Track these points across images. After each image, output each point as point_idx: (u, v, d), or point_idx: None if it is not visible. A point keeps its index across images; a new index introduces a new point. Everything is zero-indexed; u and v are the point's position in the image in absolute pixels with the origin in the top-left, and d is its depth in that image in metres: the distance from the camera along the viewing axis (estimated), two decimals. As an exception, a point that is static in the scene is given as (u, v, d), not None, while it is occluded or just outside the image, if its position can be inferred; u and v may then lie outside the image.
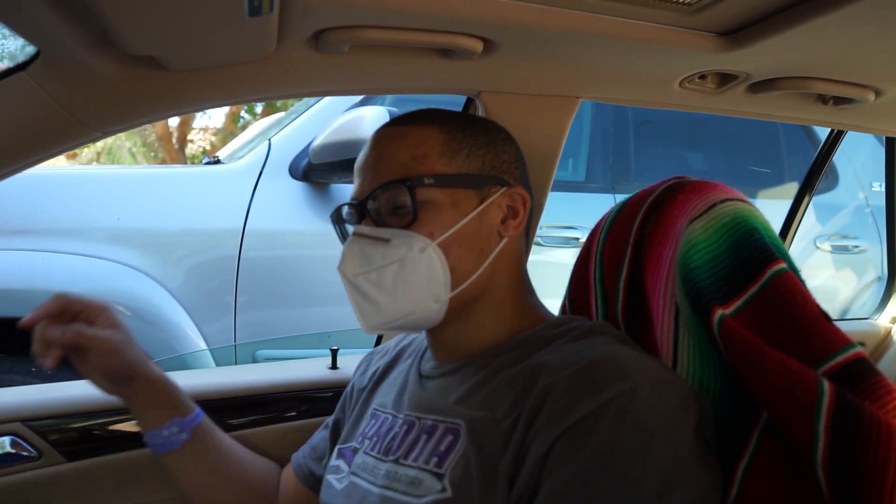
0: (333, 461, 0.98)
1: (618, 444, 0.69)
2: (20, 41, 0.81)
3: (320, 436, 1.14)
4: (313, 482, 1.08)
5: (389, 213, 0.87)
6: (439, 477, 0.78)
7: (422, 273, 0.85)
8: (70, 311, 0.94)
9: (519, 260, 0.95)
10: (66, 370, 2.15)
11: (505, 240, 0.91)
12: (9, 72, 0.84)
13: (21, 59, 0.85)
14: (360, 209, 0.90)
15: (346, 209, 0.96)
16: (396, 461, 0.85)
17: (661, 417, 0.71)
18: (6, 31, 0.79)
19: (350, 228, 0.96)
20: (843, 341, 0.75)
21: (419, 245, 0.85)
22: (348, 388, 1.12)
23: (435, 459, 0.81)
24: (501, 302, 0.92)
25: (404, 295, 0.86)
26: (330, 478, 0.95)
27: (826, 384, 0.70)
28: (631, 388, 0.72)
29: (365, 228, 0.88)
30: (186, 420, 1.04)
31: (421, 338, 1.04)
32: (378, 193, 0.87)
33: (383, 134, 0.93)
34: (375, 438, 0.92)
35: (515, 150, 0.97)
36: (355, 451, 0.95)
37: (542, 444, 0.72)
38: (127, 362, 0.97)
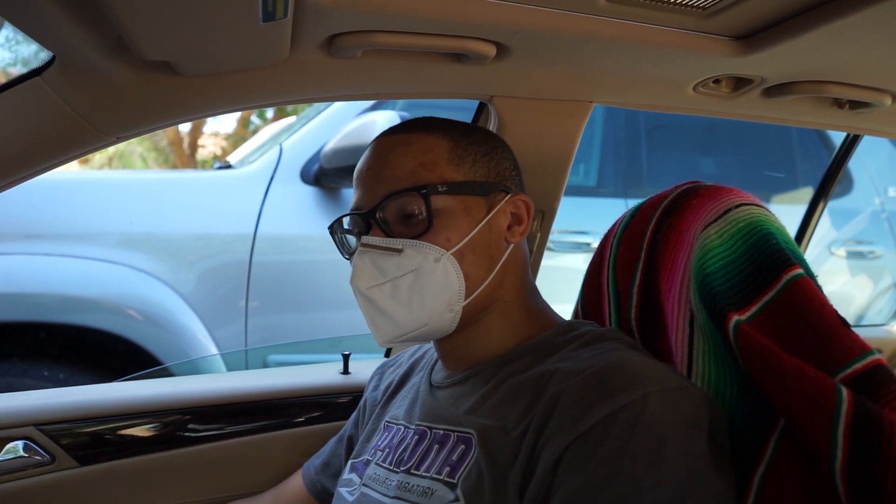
0: (346, 475, 0.97)
1: (629, 452, 0.68)
2: (33, 47, 0.81)
3: (333, 451, 1.13)
4: (327, 498, 1.08)
5: (400, 222, 0.86)
6: (452, 486, 0.78)
7: (437, 283, 0.84)
8: None
9: (525, 264, 0.95)
10: (78, 375, 2.17)
11: (511, 246, 0.91)
12: (24, 77, 0.85)
13: (34, 64, 0.85)
14: (367, 219, 0.88)
15: (347, 220, 0.94)
16: (408, 471, 0.85)
17: (674, 425, 0.70)
18: (22, 37, 0.79)
19: (352, 239, 0.95)
20: (861, 348, 0.74)
21: (434, 255, 0.84)
22: (361, 403, 1.12)
23: (447, 469, 0.80)
24: (510, 307, 0.91)
25: (420, 306, 0.85)
26: (342, 490, 0.95)
27: (844, 391, 0.69)
28: (642, 396, 0.71)
29: (375, 239, 0.86)
30: None
31: (433, 350, 1.03)
32: (388, 202, 0.86)
33: (386, 141, 0.91)
34: (387, 450, 0.92)
35: (512, 156, 0.97)
36: (367, 463, 0.94)
37: (552, 451, 0.71)
38: None
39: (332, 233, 0.96)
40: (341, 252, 0.96)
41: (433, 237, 0.85)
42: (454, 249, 0.85)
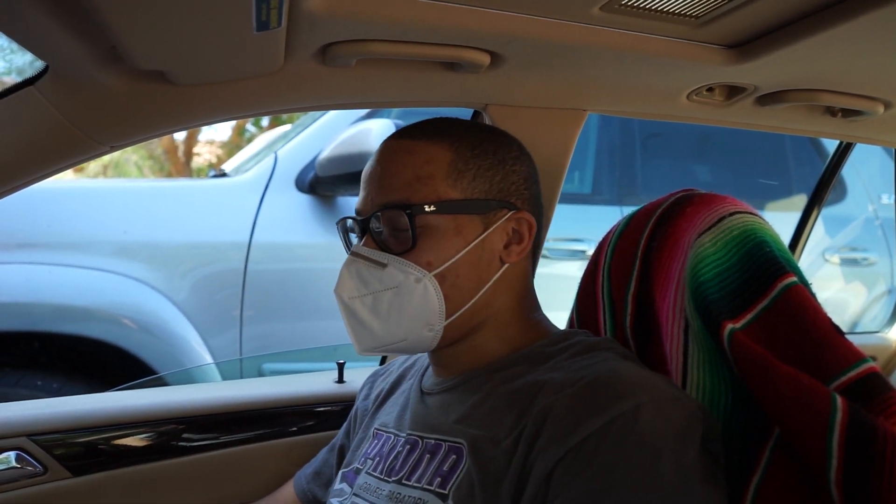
0: (337, 485, 0.97)
1: (622, 464, 0.68)
2: (28, 56, 0.81)
3: (325, 460, 1.12)
4: None
5: (391, 234, 0.85)
6: (443, 497, 0.77)
7: (416, 302, 0.84)
8: None
9: (523, 281, 0.93)
10: (72, 384, 2.16)
11: (506, 265, 0.89)
12: (18, 87, 0.85)
13: (29, 74, 0.85)
14: (364, 226, 0.88)
15: (350, 221, 0.94)
16: (399, 482, 0.84)
17: (666, 436, 0.70)
18: (16, 46, 0.79)
19: (355, 238, 0.94)
20: (855, 356, 0.74)
21: (415, 275, 0.83)
22: (352, 413, 1.11)
23: (438, 480, 0.79)
24: (502, 323, 0.90)
25: (398, 322, 0.85)
26: (333, 501, 0.94)
27: (839, 400, 0.69)
28: (634, 408, 0.70)
29: (363, 249, 0.86)
30: None
31: (425, 357, 1.03)
32: (380, 213, 0.85)
33: (390, 146, 0.89)
34: (378, 458, 0.91)
35: (527, 167, 0.93)
36: (357, 471, 0.93)
37: (544, 464, 0.71)
38: None
39: (339, 231, 0.96)
40: (346, 250, 0.95)
41: (416, 257, 0.84)
42: (436, 272, 0.84)
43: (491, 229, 0.87)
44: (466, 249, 0.85)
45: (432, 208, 0.84)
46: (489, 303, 0.88)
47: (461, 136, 0.89)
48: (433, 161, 0.86)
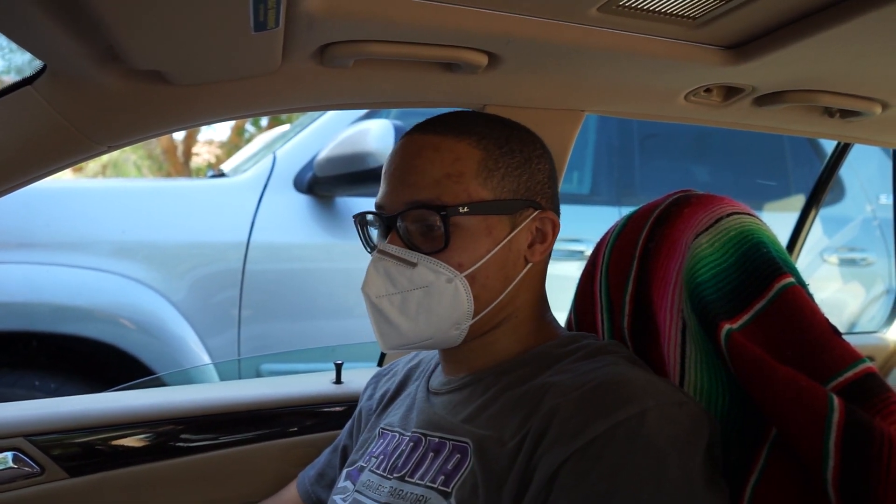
0: (341, 483, 0.97)
1: (627, 468, 0.68)
2: (27, 55, 0.81)
3: (328, 461, 1.12)
4: None
5: (420, 233, 0.84)
6: (446, 496, 0.77)
7: (446, 302, 0.83)
8: None
9: (541, 280, 0.93)
10: (69, 385, 2.15)
11: (530, 264, 0.89)
12: (15, 86, 0.85)
13: (28, 73, 0.85)
14: (389, 223, 0.86)
15: (370, 216, 0.92)
16: (402, 478, 0.84)
17: (671, 441, 0.70)
18: (14, 46, 0.79)
19: (374, 232, 0.93)
20: (852, 356, 0.74)
21: (447, 275, 0.83)
22: (356, 413, 1.11)
23: (442, 478, 0.79)
24: (520, 321, 0.90)
25: (426, 321, 0.84)
26: (336, 498, 0.94)
27: (836, 400, 0.70)
28: (640, 412, 0.70)
29: (391, 248, 0.84)
30: None
31: (430, 357, 1.03)
32: (408, 212, 0.84)
33: (416, 141, 0.87)
34: (382, 457, 0.91)
35: (549, 166, 0.92)
36: (361, 469, 0.93)
37: (548, 465, 0.71)
38: None
39: (356, 223, 0.93)
40: (364, 244, 0.93)
41: (448, 257, 0.83)
42: (467, 273, 0.83)
43: (518, 229, 0.87)
44: (496, 250, 0.85)
45: (465, 209, 0.83)
46: (511, 301, 0.88)
47: (487, 133, 0.87)
48: (462, 159, 0.85)
